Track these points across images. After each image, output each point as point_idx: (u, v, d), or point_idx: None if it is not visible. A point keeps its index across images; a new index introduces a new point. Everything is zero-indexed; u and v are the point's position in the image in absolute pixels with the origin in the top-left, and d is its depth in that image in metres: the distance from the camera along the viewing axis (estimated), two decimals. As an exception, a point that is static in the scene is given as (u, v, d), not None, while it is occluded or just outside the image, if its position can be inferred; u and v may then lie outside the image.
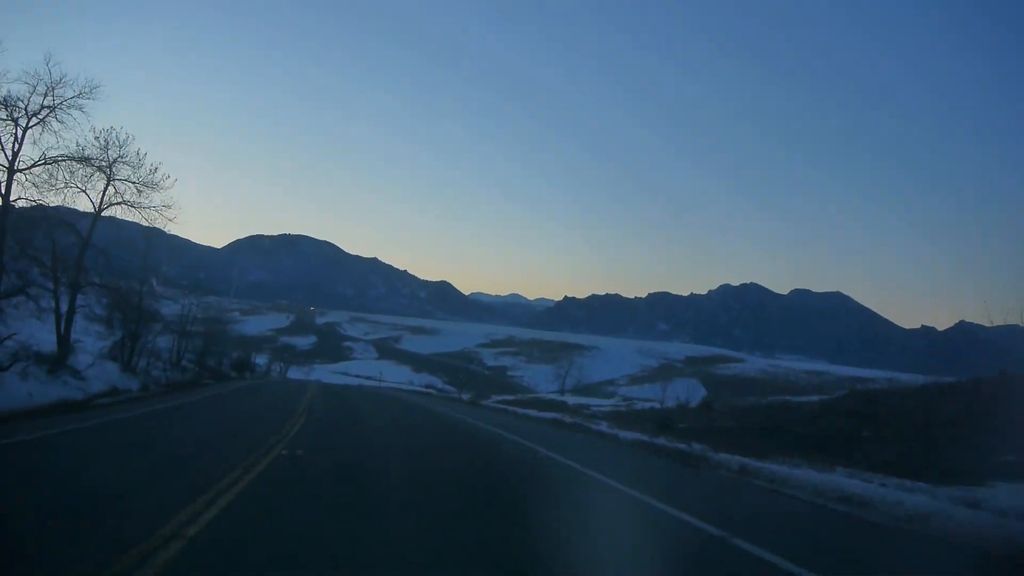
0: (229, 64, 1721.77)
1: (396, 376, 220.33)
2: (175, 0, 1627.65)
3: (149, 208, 31.74)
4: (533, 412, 31.58)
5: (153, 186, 31.22)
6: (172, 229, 35.69)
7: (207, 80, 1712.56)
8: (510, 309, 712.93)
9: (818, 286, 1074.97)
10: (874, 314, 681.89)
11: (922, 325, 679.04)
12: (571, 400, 60.25)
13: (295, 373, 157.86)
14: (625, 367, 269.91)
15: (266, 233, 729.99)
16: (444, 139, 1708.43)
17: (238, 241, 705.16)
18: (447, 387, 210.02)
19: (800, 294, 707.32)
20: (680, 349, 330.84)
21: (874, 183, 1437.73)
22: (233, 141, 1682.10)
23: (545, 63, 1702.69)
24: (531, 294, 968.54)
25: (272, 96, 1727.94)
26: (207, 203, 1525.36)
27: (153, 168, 31.20)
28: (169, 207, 32.02)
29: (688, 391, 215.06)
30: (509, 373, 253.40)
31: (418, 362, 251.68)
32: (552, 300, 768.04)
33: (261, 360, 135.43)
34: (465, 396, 57.78)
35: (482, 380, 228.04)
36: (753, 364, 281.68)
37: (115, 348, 34.96)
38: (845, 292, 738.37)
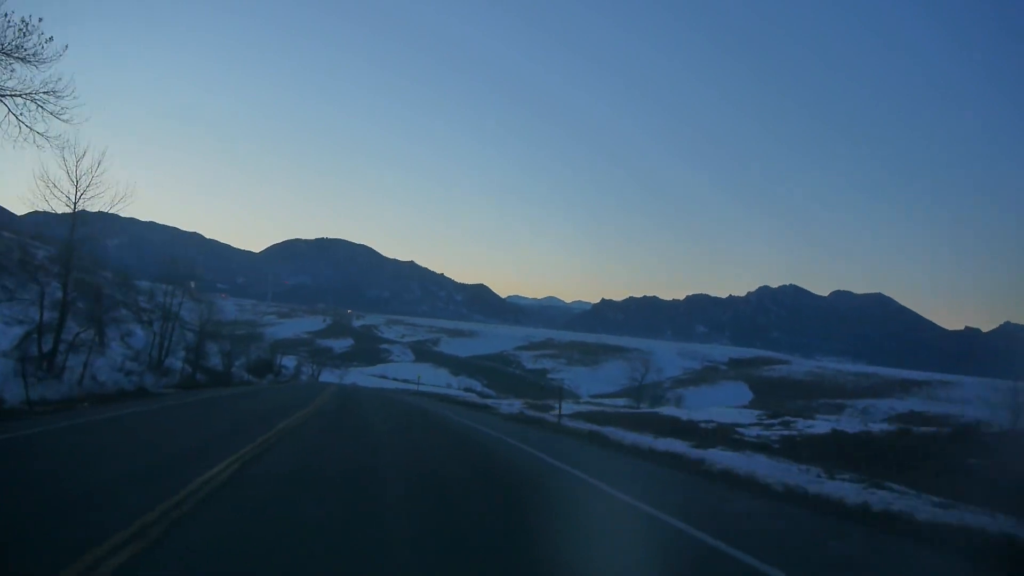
0: (265, 73, 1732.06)
1: (434, 379, 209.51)
2: (210, 6, 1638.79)
3: (23, 95, 17.47)
4: (692, 450, 17.82)
5: (26, 56, 16.92)
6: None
7: (242, 89, 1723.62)
8: (546, 312, 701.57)
9: (858, 287, 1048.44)
10: (916, 315, 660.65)
11: (966, 327, 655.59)
12: (686, 416, 43.86)
13: (329, 376, 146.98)
14: (668, 370, 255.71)
15: (303, 237, 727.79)
16: (481, 145, 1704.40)
17: (275, 246, 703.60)
18: (487, 390, 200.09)
19: (840, 295, 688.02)
20: (723, 351, 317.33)
21: (916, 183, 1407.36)
22: (270, 148, 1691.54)
23: (585, 77, 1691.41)
24: (568, 297, 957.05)
25: (308, 103, 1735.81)
26: (245, 209, 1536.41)
27: (25, 25, 17.04)
28: (55, 94, 18.06)
29: (734, 394, 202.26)
30: (549, 376, 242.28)
31: (456, 365, 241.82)
32: (589, 303, 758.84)
33: (290, 362, 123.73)
34: (548, 415, 40.61)
35: (522, 383, 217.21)
36: (799, 366, 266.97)
37: (25, 340, 23.32)
38: (886, 293, 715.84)
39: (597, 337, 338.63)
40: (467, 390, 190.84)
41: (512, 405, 49.01)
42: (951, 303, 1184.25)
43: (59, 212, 23.41)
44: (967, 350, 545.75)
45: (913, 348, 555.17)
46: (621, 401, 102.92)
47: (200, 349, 41.26)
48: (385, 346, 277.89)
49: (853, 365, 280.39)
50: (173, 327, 36.46)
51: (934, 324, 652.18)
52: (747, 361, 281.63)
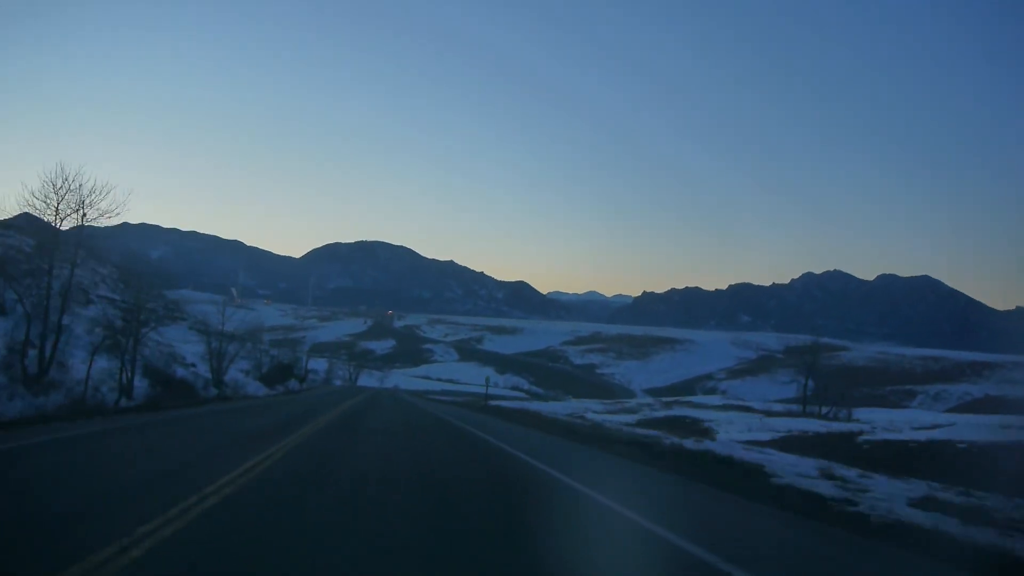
0: (300, 79, 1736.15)
1: (480, 378, 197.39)
2: (247, 15, 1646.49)
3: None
4: None
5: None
6: None
7: (279, 96, 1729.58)
8: (588, 307, 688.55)
9: (904, 271, 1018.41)
10: (966, 296, 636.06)
11: (1016, 306, 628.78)
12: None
13: (368, 379, 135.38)
14: (721, 360, 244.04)
15: (343, 241, 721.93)
16: (518, 144, 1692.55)
17: (316, 250, 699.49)
18: (535, 388, 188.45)
19: (887, 279, 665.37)
20: (778, 339, 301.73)
21: (958, 162, 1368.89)
22: (308, 153, 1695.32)
23: (619, 75, 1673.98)
24: (608, 291, 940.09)
25: (344, 108, 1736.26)
26: (284, 215, 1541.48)
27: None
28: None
29: (794, 384, 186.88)
30: (598, 371, 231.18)
31: (502, 363, 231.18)
32: (630, 296, 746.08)
33: (321, 365, 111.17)
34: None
35: (571, 379, 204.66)
36: (860, 352, 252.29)
37: None
38: (934, 276, 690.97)
39: (645, 329, 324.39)
40: (514, 388, 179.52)
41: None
42: (1000, 283, 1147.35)
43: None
44: (1020, 329, 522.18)
45: (965, 330, 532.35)
46: (714, 399, 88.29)
47: (136, 347, 26.62)
48: (428, 346, 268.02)
49: (914, 349, 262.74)
50: (60, 309, 22.22)
51: (984, 305, 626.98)
52: (804, 348, 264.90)
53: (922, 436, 26.15)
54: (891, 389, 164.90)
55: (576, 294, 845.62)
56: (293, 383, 62.81)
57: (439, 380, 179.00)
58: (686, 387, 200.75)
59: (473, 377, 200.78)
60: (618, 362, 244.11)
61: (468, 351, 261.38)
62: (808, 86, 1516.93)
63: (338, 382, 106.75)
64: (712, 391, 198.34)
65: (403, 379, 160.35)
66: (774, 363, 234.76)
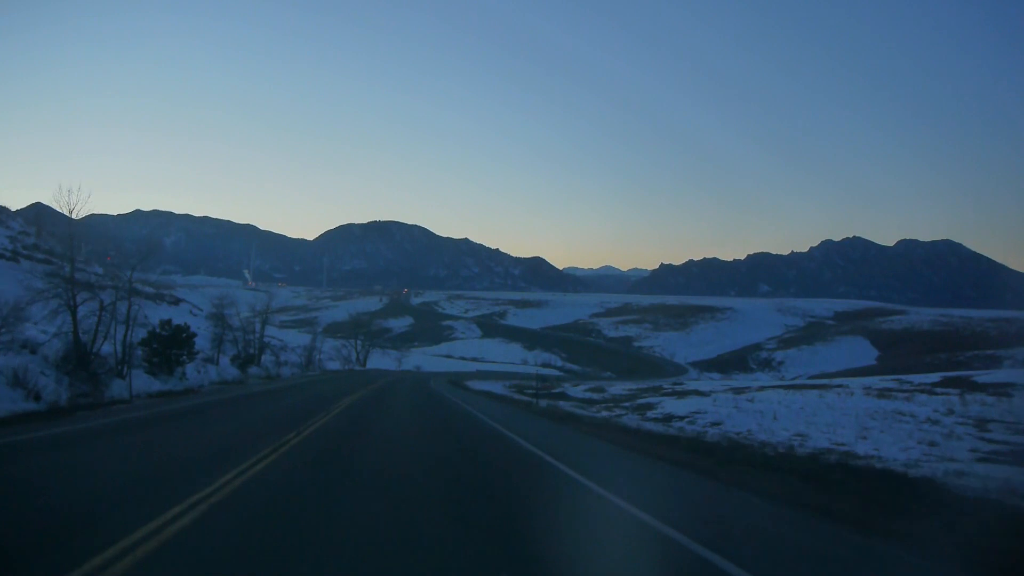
0: (309, 63, 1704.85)
1: (507, 355, 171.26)
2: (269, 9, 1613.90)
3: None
4: None
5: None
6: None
7: (288, 80, 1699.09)
8: (604, 281, 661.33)
9: (925, 235, 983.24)
10: (988, 259, 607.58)
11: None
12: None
13: (383, 360, 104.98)
14: (768, 328, 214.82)
15: (357, 221, 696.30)
16: (530, 120, 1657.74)
17: (329, 232, 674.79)
18: (569, 365, 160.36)
19: (907, 244, 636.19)
20: (826, 304, 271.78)
21: (974, 127, 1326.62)
22: (319, 136, 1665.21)
23: (633, 49, 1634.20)
24: (624, 265, 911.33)
25: (355, 88, 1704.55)
26: (298, 197, 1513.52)
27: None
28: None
29: (856, 352, 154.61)
30: (636, 344, 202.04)
31: (529, 338, 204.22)
32: (646, 269, 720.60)
33: (298, 339, 78.61)
34: None
35: (607, 354, 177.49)
36: (919, 316, 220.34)
37: None
38: (955, 239, 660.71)
39: (679, 298, 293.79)
40: (545, 365, 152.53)
41: None
42: (1019, 243, 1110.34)
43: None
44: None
45: (988, 291, 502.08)
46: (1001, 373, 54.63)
47: None
48: (448, 323, 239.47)
49: (979, 311, 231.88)
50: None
51: (1006, 267, 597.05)
52: (856, 314, 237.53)
53: None
54: (972, 354, 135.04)
55: (592, 269, 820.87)
56: (196, 373, 31.05)
57: (463, 359, 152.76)
58: (736, 359, 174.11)
59: (502, 355, 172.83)
60: (656, 334, 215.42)
61: (492, 327, 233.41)
62: (823, 53, 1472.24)
63: (334, 364, 75.96)
64: (767, 363, 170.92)
65: (424, 359, 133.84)
66: (826, 329, 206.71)
